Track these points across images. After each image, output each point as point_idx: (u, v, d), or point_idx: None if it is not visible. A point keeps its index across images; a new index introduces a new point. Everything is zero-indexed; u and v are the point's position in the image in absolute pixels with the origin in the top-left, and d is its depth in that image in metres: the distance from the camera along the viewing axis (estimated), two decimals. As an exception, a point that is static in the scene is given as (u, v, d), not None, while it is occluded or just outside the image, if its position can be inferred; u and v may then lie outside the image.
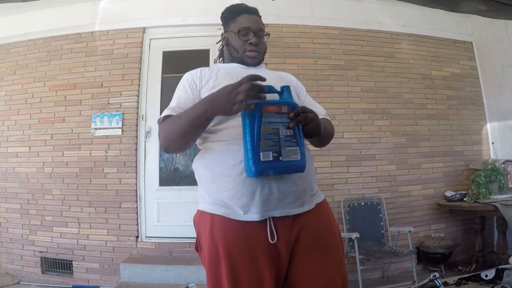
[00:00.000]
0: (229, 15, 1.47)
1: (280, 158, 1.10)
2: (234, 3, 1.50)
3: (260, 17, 1.48)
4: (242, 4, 1.48)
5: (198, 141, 1.32)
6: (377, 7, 4.04)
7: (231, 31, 1.44)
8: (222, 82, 1.24)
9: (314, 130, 1.18)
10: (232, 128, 1.20)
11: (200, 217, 1.26)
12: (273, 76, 1.36)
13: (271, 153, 1.09)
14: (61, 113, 3.79)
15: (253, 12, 1.46)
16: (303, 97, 1.47)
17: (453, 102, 4.13)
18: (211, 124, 1.22)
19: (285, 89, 1.20)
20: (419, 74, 4.08)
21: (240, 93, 1.07)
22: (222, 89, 1.12)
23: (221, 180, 1.18)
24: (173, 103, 1.30)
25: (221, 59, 1.63)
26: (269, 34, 1.50)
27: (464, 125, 4.14)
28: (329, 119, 1.45)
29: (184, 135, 1.20)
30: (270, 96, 1.16)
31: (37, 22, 3.94)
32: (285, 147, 1.11)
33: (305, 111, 1.15)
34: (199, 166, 1.28)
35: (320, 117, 1.30)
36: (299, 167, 1.14)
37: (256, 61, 1.45)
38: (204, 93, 1.28)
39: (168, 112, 1.27)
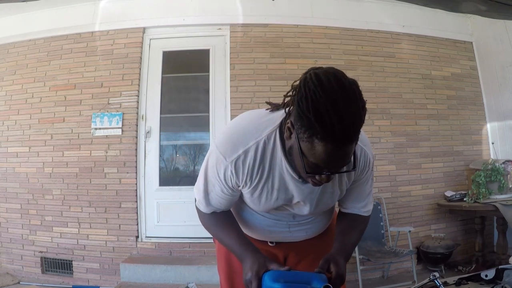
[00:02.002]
0: (309, 125, 0.84)
1: None
2: (332, 109, 0.81)
3: (356, 142, 0.87)
4: (340, 119, 0.81)
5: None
6: (377, 7, 4.04)
7: (299, 147, 0.88)
8: (268, 191, 1.08)
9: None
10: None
11: None
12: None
13: None
14: (61, 113, 3.78)
15: (348, 140, 0.84)
16: (356, 183, 1.15)
17: (453, 102, 4.13)
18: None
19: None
20: (419, 74, 4.08)
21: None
22: (244, 263, 1.07)
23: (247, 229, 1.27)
24: (207, 197, 1.13)
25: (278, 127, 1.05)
26: (355, 168, 0.96)
27: (464, 125, 4.13)
28: (367, 216, 1.24)
29: (217, 239, 1.24)
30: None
31: (37, 22, 3.93)
32: None
33: None
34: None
35: (356, 212, 1.20)
36: None
37: None
38: (247, 191, 1.09)
39: (205, 210, 1.17)
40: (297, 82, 0.91)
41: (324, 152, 0.84)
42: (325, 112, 0.81)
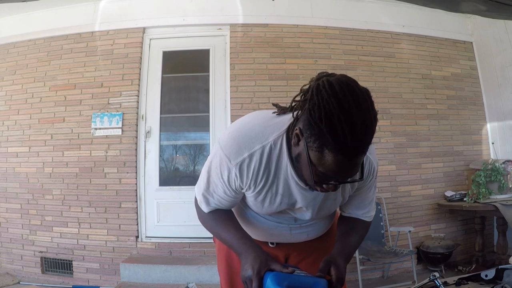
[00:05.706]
0: (320, 135, 0.83)
1: None
2: (346, 120, 0.80)
3: (366, 153, 0.87)
4: (353, 132, 0.80)
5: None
6: (377, 7, 4.04)
7: (308, 155, 0.88)
8: (271, 196, 1.07)
9: None
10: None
11: None
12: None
13: None
14: (61, 113, 3.78)
15: (359, 153, 0.84)
16: (359, 190, 1.14)
17: (453, 102, 4.13)
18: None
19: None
20: (419, 74, 4.08)
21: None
22: (242, 258, 1.04)
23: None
24: (209, 197, 1.11)
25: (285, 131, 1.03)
26: (362, 178, 0.95)
27: (464, 125, 4.14)
28: (369, 221, 1.22)
29: (216, 236, 1.21)
30: None
31: (37, 22, 3.94)
32: None
33: None
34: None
35: (356, 217, 1.20)
36: None
37: None
38: (250, 194, 1.08)
39: (206, 209, 1.15)
40: (307, 86, 0.89)
41: (334, 163, 0.83)
42: (338, 124, 0.80)
